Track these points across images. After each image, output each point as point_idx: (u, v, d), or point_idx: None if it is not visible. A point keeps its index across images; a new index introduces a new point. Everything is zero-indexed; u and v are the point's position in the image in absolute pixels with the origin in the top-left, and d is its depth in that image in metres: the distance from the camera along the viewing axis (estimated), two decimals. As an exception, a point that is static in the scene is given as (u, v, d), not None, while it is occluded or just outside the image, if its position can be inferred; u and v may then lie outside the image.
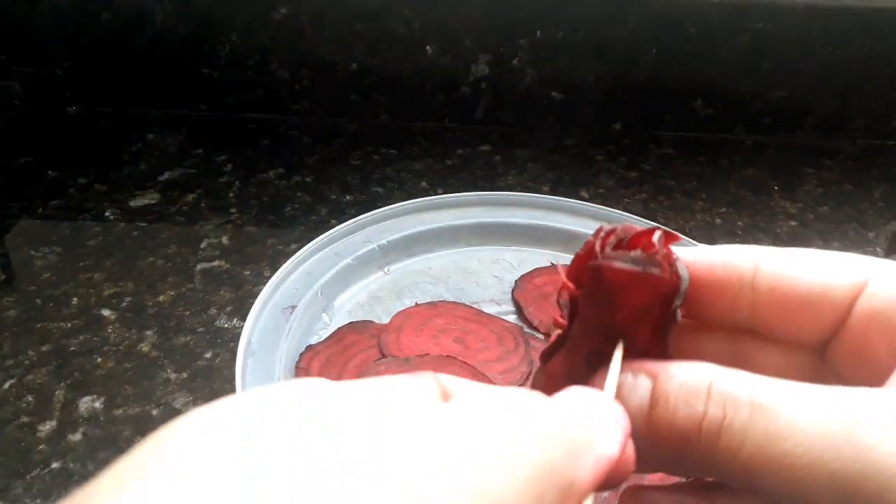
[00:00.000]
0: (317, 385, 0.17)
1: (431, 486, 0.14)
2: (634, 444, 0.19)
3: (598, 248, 0.21)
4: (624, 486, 0.20)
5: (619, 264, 0.20)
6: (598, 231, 0.22)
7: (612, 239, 0.22)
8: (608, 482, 0.18)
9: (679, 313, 0.22)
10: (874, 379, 0.19)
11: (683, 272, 0.21)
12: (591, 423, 0.18)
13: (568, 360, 0.22)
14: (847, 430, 0.17)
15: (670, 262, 0.21)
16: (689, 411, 0.19)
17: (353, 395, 0.17)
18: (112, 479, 0.14)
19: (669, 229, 0.22)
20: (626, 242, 0.21)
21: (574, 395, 0.19)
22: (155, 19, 0.71)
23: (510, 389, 0.17)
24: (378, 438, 0.15)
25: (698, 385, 0.19)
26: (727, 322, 0.23)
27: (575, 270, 0.22)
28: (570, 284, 0.22)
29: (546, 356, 0.23)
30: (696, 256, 0.22)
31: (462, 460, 0.15)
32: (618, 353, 0.21)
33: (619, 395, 0.20)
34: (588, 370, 0.21)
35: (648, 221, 0.56)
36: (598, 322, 0.21)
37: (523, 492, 0.15)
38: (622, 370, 0.20)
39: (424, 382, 0.18)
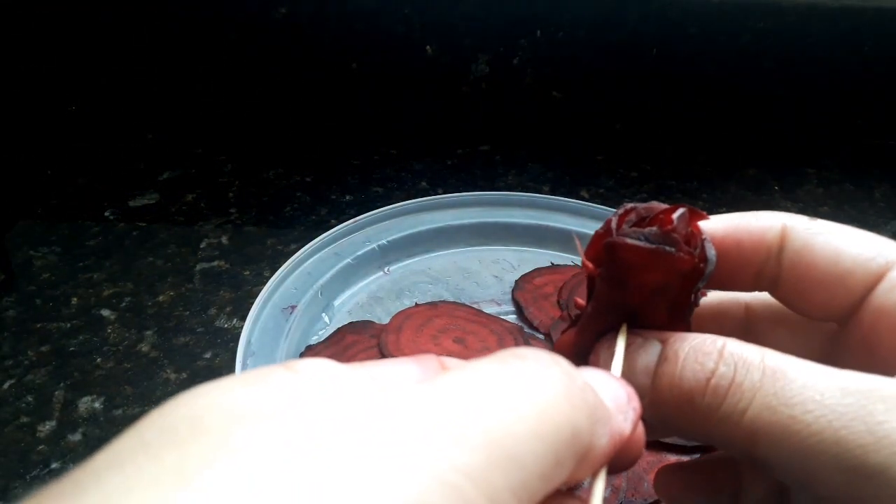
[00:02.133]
0: (318, 368, 0.16)
1: (448, 437, 0.13)
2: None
3: (614, 224, 0.21)
4: (656, 465, 0.20)
5: (632, 241, 0.20)
6: (620, 208, 0.22)
7: (633, 216, 0.21)
8: (619, 462, 0.17)
9: (700, 296, 0.22)
10: (880, 371, 0.19)
11: (710, 253, 0.21)
12: (608, 398, 0.18)
13: (578, 337, 0.22)
14: (860, 402, 0.17)
15: (694, 241, 0.21)
16: (697, 368, 0.19)
17: (356, 375, 0.16)
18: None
19: (696, 208, 0.21)
20: (648, 220, 0.21)
21: (591, 371, 0.18)
22: (154, 18, 0.71)
23: (540, 352, 0.16)
24: (392, 397, 0.14)
25: (711, 346, 0.19)
26: (748, 290, 0.23)
27: (593, 249, 0.21)
28: (589, 264, 0.21)
29: (561, 335, 0.23)
30: (724, 229, 0.22)
31: (487, 413, 0.14)
32: (622, 331, 0.21)
33: (625, 358, 0.20)
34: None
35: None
36: (612, 301, 0.21)
37: (545, 450, 0.14)
38: (631, 336, 0.20)
39: (425, 359, 0.19)
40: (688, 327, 0.21)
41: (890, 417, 0.17)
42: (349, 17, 0.71)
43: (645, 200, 0.70)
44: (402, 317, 0.50)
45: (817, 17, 0.69)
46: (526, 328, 0.50)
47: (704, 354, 0.19)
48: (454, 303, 0.52)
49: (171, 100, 0.75)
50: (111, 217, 0.62)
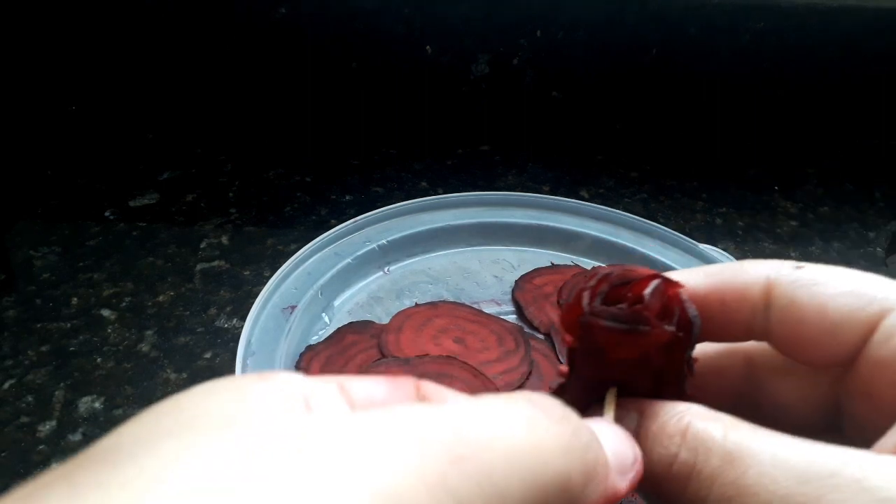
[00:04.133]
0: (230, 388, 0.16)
1: (445, 455, 0.13)
2: None
3: (586, 301, 0.20)
4: None
5: (603, 322, 0.20)
6: (591, 274, 0.21)
7: (605, 287, 0.21)
8: None
9: (693, 363, 0.21)
10: (882, 419, 0.19)
11: (693, 316, 0.20)
12: (609, 454, 0.18)
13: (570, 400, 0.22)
14: (817, 491, 0.16)
15: (670, 311, 0.20)
16: (662, 452, 0.19)
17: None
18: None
19: (671, 277, 0.21)
20: (623, 288, 0.21)
21: (599, 426, 0.19)
22: (154, 18, 0.71)
23: (553, 402, 0.17)
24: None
25: (675, 426, 0.19)
26: (742, 341, 0.23)
27: (567, 321, 0.21)
28: (566, 336, 0.21)
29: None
30: (706, 287, 0.22)
31: (487, 446, 0.14)
32: (610, 398, 0.21)
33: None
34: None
35: (642, 221, 0.56)
36: (594, 373, 0.21)
37: (533, 497, 0.14)
38: (619, 406, 0.20)
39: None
40: (680, 393, 0.21)
41: None
42: (349, 17, 0.71)
43: (645, 201, 0.70)
44: (402, 317, 0.50)
45: (817, 17, 0.69)
46: (526, 328, 0.50)
47: (668, 437, 0.19)
48: (454, 303, 0.52)
49: (171, 100, 0.75)
50: (111, 217, 0.62)
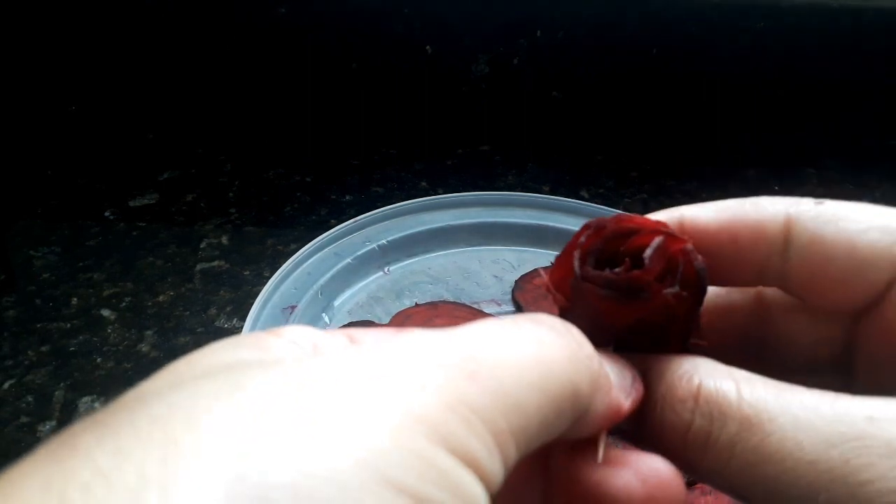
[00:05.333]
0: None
1: (462, 373, 0.14)
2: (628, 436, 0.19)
3: (577, 262, 0.19)
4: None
5: (597, 290, 0.18)
6: (583, 229, 0.19)
7: (598, 243, 0.19)
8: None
9: (699, 320, 0.20)
10: None
11: (700, 271, 0.18)
12: (612, 374, 0.18)
13: None
14: (844, 456, 0.16)
15: (674, 269, 0.18)
16: (674, 419, 0.18)
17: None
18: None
19: (675, 232, 0.19)
20: (617, 245, 0.19)
21: (601, 353, 0.18)
22: (154, 18, 0.71)
23: (555, 319, 0.17)
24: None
25: (686, 389, 0.18)
26: (750, 285, 0.21)
27: (557, 280, 0.20)
28: (558, 296, 0.20)
29: None
30: (717, 223, 0.20)
31: (498, 361, 0.15)
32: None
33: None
34: None
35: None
36: (589, 335, 0.19)
37: (547, 403, 0.15)
38: (615, 359, 0.19)
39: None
40: (684, 349, 0.19)
41: (874, 476, 0.15)
42: (349, 17, 0.71)
43: (645, 201, 0.69)
44: (402, 317, 0.50)
45: (817, 17, 0.69)
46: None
47: (680, 402, 0.18)
48: (454, 303, 0.52)
49: (171, 100, 0.75)
50: (111, 217, 0.62)
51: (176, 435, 0.12)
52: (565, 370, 0.16)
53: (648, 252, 0.18)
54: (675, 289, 0.18)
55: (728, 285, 0.21)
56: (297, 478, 0.12)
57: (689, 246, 0.19)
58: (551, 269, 0.20)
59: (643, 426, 0.18)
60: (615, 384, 0.18)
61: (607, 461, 0.17)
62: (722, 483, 0.17)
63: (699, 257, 0.19)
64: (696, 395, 0.18)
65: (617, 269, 0.18)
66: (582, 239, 0.19)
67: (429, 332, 0.15)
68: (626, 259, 0.18)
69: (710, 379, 0.18)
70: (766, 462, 0.16)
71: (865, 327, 0.20)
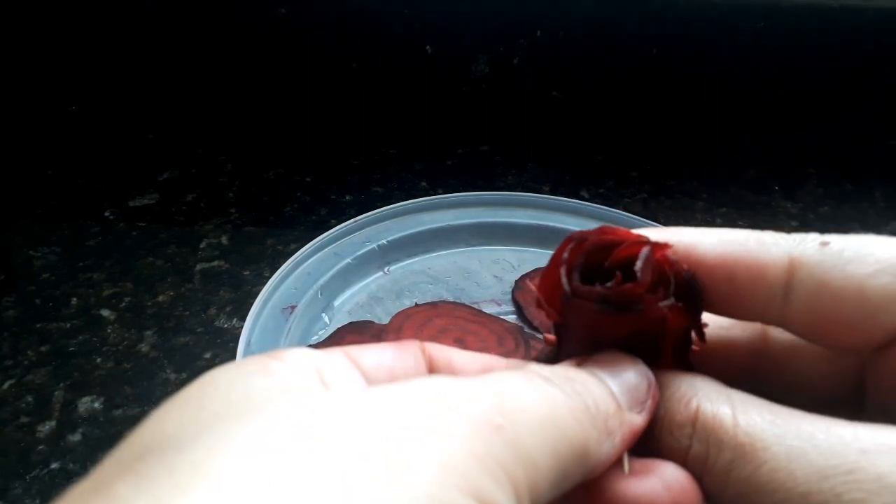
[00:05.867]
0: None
1: (490, 428, 0.14)
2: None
3: (564, 278, 0.18)
4: None
5: (590, 306, 0.18)
6: (564, 243, 0.19)
7: (580, 258, 0.18)
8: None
9: (703, 329, 0.19)
10: None
11: (691, 281, 0.18)
12: (619, 394, 0.18)
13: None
14: (835, 489, 0.16)
15: (665, 280, 0.18)
16: (673, 444, 0.18)
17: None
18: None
19: (657, 238, 0.18)
20: (600, 258, 0.18)
21: (605, 364, 0.18)
22: (154, 18, 0.71)
23: (564, 376, 0.17)
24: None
25: (685, 414, 0.18)
26: (749, 321, 0.21)
27: (546, 293, 0.19)
28: (552, 312, 0.20)
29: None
30: (714, 257, 0.19)
31: (520, 421, 0.15)
32: None
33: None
34: None
35: (642, 221, 0.56)
36: (584, 350, 0.19)
37: (558, 465, 0.15)
38: (631, 365, 0.19)
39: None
40: (684, 363, 0.19)
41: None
42: (349, 17, 0.71)
43: (645, 201, 0.69)
44: (402, 317, 0.50)
45: (817, 17, 0.69)
46: (526, 328, 0.50)
47: (678, 427, 0.18)
48: (454, 303, 0.52)
49: (171, 100, 0.75)
50: (111, 217, 0.62)
51: (215, 488, 0.12)
52: (574, 432, 0.16)
53: (639, 264, 0.18)
54: (671, 301, 0.18)
55: (726, 316, 0.21)
56: None
57: (673, 256, 0.18)
58: (539, 284, 0.20)
59: (646, 444, 0.19)
60: (628, 401, 0.18)
61: (632, 470, 0.18)
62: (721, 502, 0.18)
63: (685, 267, 0.18)
64: (694, 420, 0.18)
65: (609, 284, 0.18)
66: (565, 255, 0.19)
67: (446, 379, 0.16)
68: (618, 273, 0.18)
69: (707, 403, 0.18)
70: (758, 492, 0.16)
71: (876, 366, 0.19)
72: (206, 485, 0.12)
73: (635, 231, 0.19)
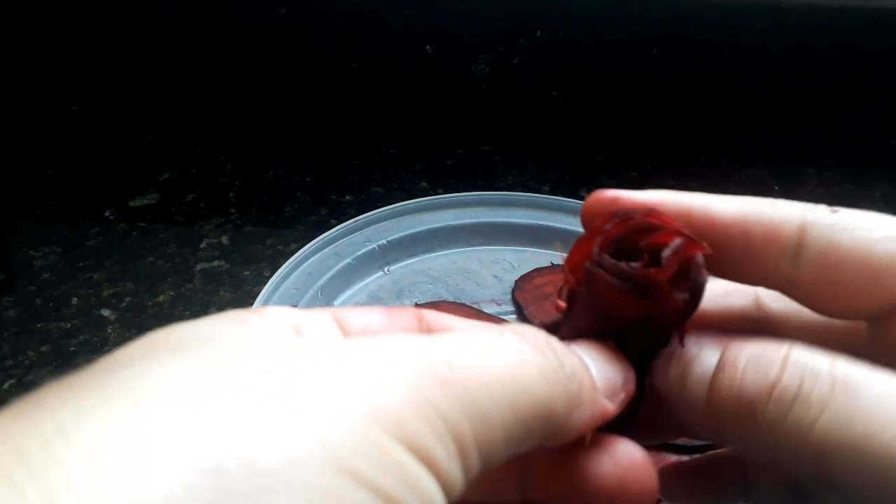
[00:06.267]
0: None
1: (434, 378, 0.14)
2: (690, 415, 0.19)
3: (596, 248, 0.19)
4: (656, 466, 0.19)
5: (610, 279, 0.18)
6: (609, 216, 0.19)
7: (621, 232, 0.19)
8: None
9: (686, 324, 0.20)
10: None
11: (702, 286, 0.18)
12: (597, 378, 0.18)
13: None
14: None
15: (687, 273, 0.18)
16: (758, 377, 0.17)
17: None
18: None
19: (694, 239, 0.19)
20: (638, 238, 0.19)
21: (588, 350, 0.19)
22: (154, 18, 0.71)
23: (539, 334, 0.17)
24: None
25: (774, 353, 0.18)
26: (754, 284, 0.21)
27: (574, 261, 0.20)
28: (570, 276, 0.20)
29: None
30: (732, 216, 0.20)
31: (474, 373, 0.15)
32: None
33: (681, 360, 0.19)
34: None
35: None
36: (589, 324, 0.20)
37: (515, 422, 0.15)
38: (686, 343, 0.19)
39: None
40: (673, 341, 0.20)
41: None
42: (349, 17, 0.71)
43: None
44: (402, 317, 0.50)
45: (817, 17, 0.69)
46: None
47: (767, 363, 0.17)
48: (454, 303, 0.52)
49: (171, 100, 0.75)
50: (111, 217, 0.62)
51: (139, 401, 0.12)
52: (540, 390, 0.16)
53: (667, 252, 0.18)
54: (686, 295, 0.18)
55: (731, 279, 0.21)
56: (255, 458, 0.12)
57: (701, 257, 0.18)
58: (571, 250, 0.20)
59: (713, 396, 0.18)
60: (603, 387, 0.18)
61: (585, 446, 0.18)
62: (800, 449, 0.17)
63: (704, 272, 0.19)
64: (786, 359, 0.17)
65: (634, 264, 0.18)
66: (608, 226, 0.19)
67: (414, 336, 0.16)
68: (645, 255, 0.18)
69: (798, 347, 0.18)
70: (860, 421, 0.16)
71: (878, 336, 0.19)
72: (127, 399, 0.12)
73: (666, 198, 0.20)
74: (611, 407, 0.18)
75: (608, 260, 0.18)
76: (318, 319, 0.18)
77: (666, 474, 0.24)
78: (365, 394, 0.13)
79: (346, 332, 0.19)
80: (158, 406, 0.12)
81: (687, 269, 0.18)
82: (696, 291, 0.19)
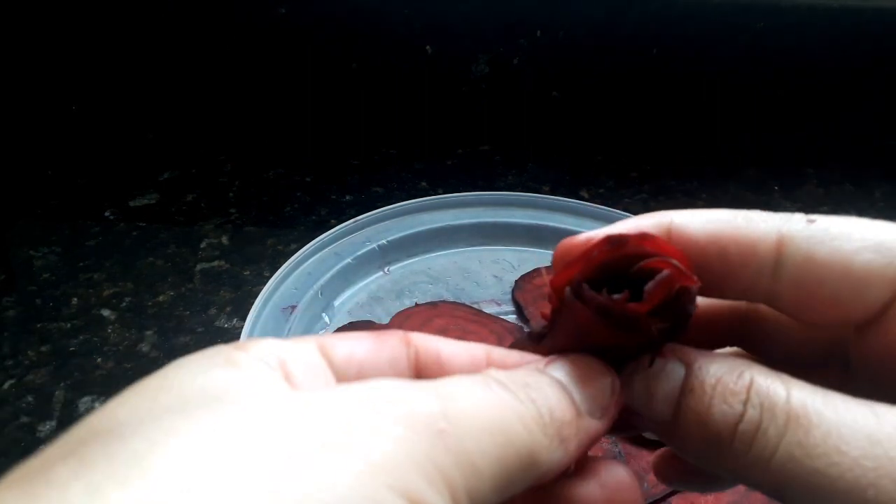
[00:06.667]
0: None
1: (431, 433, 0.15)
2: (657, 429, 0.19)
3: (577, 276, 0.18)
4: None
5: (587, 311, 0.18)
6: (604, 240, 0.19)
7: (607, 258, 0.18)
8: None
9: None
10: None
11: (689, 315, 0.18)
12: (580, 399, 0.18)
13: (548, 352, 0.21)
14: (889, 453, 0.16)
15: (670, 306, 0.18)
16: (726, 409, 0.18)
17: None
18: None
19: (683, 271, 0.18)
20: (625, 261, 0.18)
21: (569, 366, 0.19)
22: (154, 18, 0.71)
23: (523, 383, 0.18)
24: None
25: (738, 383, 0.18)
26: (738, 300, 0.21)
27: (558, 282, 0.19)
28: (553, 297, 0.20)
29: (531, 340, 0.22)
30: (707, 236, 0.20)
31: (467, 427, 0.15)
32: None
33: (646, 376, 0.19)
34: None
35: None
36: (570, 343, 0.20)
37: (501, 472, 0.16)
38: (661, 354, 0.19)
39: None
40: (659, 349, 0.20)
41: None
42: (349, 17, 0.71)
43: (645, 201, 0.69)
44: (402, 317, 0.50)
45: (817, 17, 0.69)
46: (526, 328, 0.50)
47: (732, 394, 0.18)
48: (454, 303, 0.52)
49: (171, 100, 0.75)
50: (111, 217, 0.62)
51: (150, 480, 0.12)
52: (522, 441, 0.16)
53: (650, 286, 0.18)
54: (666, 325, 0.18)
55: (713, 297, 0.21)
56: None
57: (695, 289, 0.18)
58: (557, 272, 0.20)
59: (680, 419, 0.18)
60: (589, 408, 0.18)
61: (575, 471, 0.19)
62: (761, 478, 0.17)
63: (694, 302, 0.18)
64: (748, 389, 0.18)
65: (617, 296, 0.18)
66: (595, 253, 0.19)
67: (403, 382, 0.16)
68: (626, 290, 0.18)
69: (760, 376, 0.18)
70: (810, 456, 0.16)
71: (863, 341, 0.20)
72: (141, 476, 0.12)
73: (646, 222, 0.20)
74: (599, 425, 0.18)
75: (587, 291, 0.18)
76: (303, 351, 0.18)
77: (663, 458, 0.24)
78: (363, 450, 0.14)
79: (331, 361, 0.19)
80: (167, 485, 0.12)
81: (674, 298, 0.18)
82: (681, 322, 0.19)
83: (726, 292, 0.20)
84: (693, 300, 0.18)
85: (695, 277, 0.18)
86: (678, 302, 0.18)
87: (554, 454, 0.17)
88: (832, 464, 0.16)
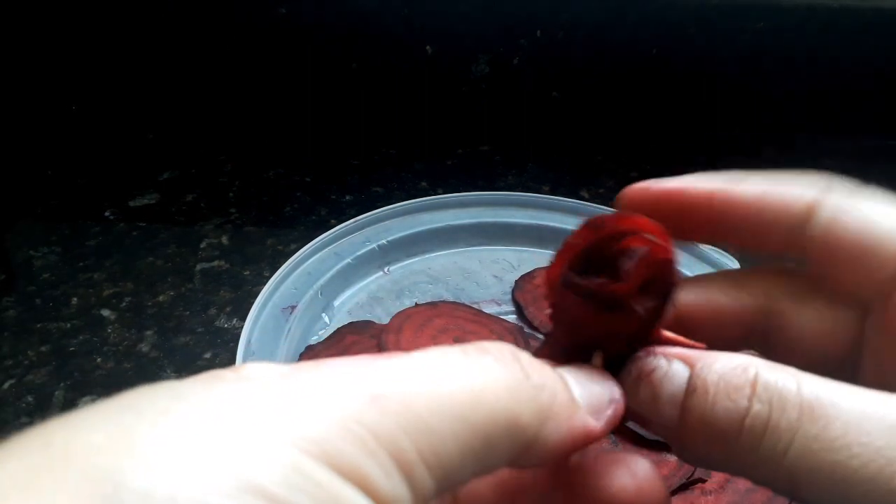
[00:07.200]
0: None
1: (363, 397, 0.14)
2: (666, 434, 0.19)
3: (564, 267, 0.18)
4: (658, 463, 0.19)
5: (574, 298, 0.18)
6: (582, 227, 0.19)
7: (589, 243, 0.18)
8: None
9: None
10: None
11: (676, 286, 0.18)
12: (578, 394, 0.18)
13: (551, 355, 0.21)
14: None
15: (657, 279, 0.18)
16: (730, 405, 0.17)
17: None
18: None
19: (660, 242, 0.18)
20: (609, 247, 0.18)
21: (572, 370, 0.19)
22: (154, 17, 0.71)
23: (505, 348, 0.17)
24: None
25: (742, 377, 0.17)
26: (777, 255, 0.21)
27: (551, 277, 0.19)
28: (549, 293, 0.20)
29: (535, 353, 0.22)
30: (753, 195, 0.21)
31: (416, 387, 0.15)
32: (597, 361, 0.20)
33: (651, 380, 0.19)
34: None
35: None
36: (569, 339, 0.20)
37: (471, 433, 0.15)
38: (654, 358, 0.19)
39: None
40: (656, 339, 0.20)
41: None
42: (349, 17, 0.71)
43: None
44: (402, 317, 0.50)
45: (817, 17, 0.69)
46: (526, 328, 0.50)
47: (736, 389, 0.17)
48: (454, 303, 0.52)
49: (171, 100, 0.75)
50: (111, 217, 0.62)
51: (56, 440, 0.13)
52: (500, 400, 0.15)
53: (628, 264, 0.18)
54: (653, 303, 0.18)
55: (751, 249, 0.22)
56: (155, 485, 0.12)
57: (674, 259, 0.18)
58: (550, 266, 0.20)
59: (685, 421, 0.18)
60: (587, 404, 0.18)
61: (603, 463, 0.18)
62: (774, 475, 0.17)
63: (679, 272, 0.19)
64: (754, 384, 0.17)
65: (600, 280, 0.18)
66: (576, 239, 0.19)
67: (351, 359, 0.16)
68: (607, 270, 0.18)
69: (765, 370, 0.18)
70: (829, 449, 0.16)
71: (875, 320, 0.20)
72: (40, 440, 0.13)
73: (698, 184, 0.21)
74: (595, 424, 0.18)
75: (574, 278, 0.18)
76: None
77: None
78: (288, 420, 0.13)
79: None
80: (74, 447, 0.13)
81: (657, 275, 0.18)
82: (666, 296, 0.18)
83: (767, 246, 0.21)
84: (674, 271, 0.18)
85: (670, 248, 0.18)
86: (660, 275, 0.18)
87: (545, 425, 0.16)
88: (853, 455, 0.16)
